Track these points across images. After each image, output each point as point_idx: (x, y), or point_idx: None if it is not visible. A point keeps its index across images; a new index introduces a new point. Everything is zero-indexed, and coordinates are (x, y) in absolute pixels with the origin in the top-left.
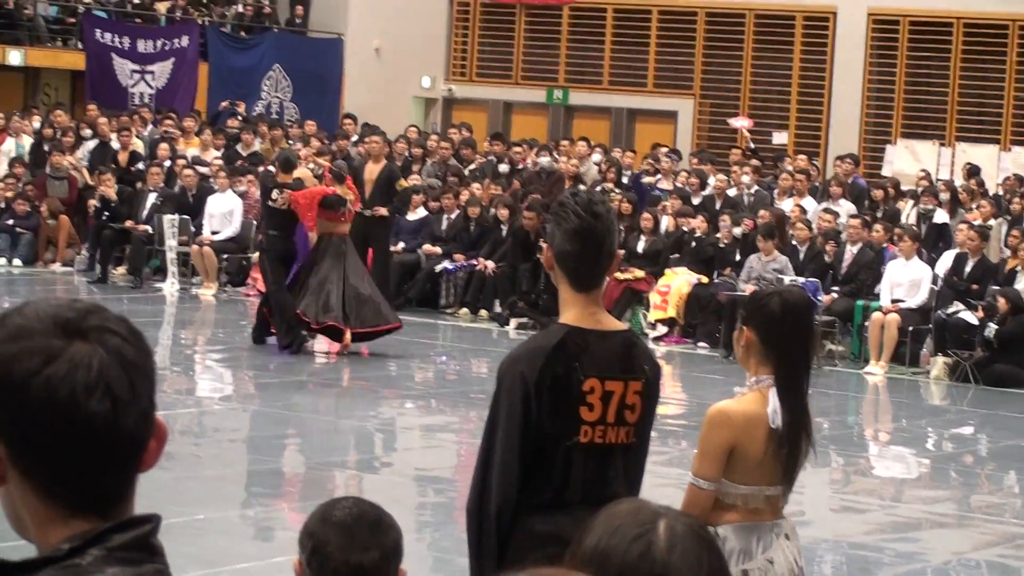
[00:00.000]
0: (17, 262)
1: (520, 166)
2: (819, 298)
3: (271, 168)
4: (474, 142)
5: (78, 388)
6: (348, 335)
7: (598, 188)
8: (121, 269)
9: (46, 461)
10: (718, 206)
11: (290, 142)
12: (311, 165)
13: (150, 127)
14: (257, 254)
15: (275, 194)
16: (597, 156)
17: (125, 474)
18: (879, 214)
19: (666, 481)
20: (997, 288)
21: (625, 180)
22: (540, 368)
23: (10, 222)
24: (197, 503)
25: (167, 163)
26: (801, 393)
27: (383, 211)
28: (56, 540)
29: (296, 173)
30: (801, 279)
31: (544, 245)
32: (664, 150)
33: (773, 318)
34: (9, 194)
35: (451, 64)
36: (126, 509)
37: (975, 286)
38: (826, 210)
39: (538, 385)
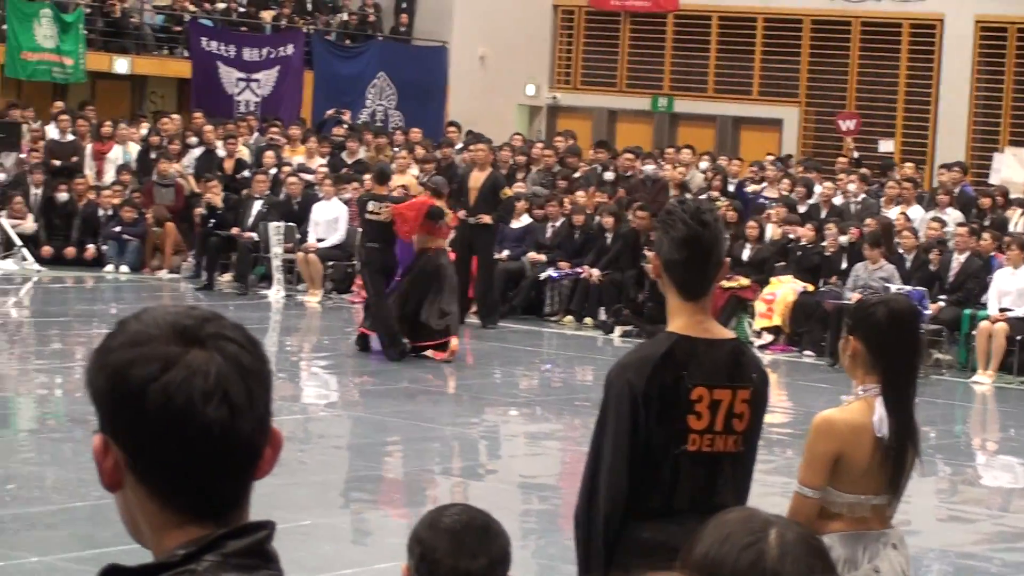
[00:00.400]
0: (124, 269)
1: (628, 173)
2: (925, 306)
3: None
4: (579, 150)
5: (195, 395)
6: (455, 341)
7: (703, 196)
8: (227, 276)
9: (163, 467)
10: (823, 214)
11: (395, 149)
12: (414, 171)
13: (256, 135)
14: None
15: (372, 205)
16: (704, 164)
17: (241, 481)
18: (986, 222)
19: (771, 490)
20: None
21: (732, 188)
22: (648, 377)
23: (117, 229)
24: (303, 509)
25: (272, 171)
26: (908, 402)
27: (487, 219)
28: (172, 546)
29: (402, 180)
30: (907, 287)
31: (651, 254)
32: (770, 158)
33: (879, 327)
34: (116, 201)
35: (555, 72)
36: (241, 515)
37: None
38: (934, 219)
39: (646, 394)
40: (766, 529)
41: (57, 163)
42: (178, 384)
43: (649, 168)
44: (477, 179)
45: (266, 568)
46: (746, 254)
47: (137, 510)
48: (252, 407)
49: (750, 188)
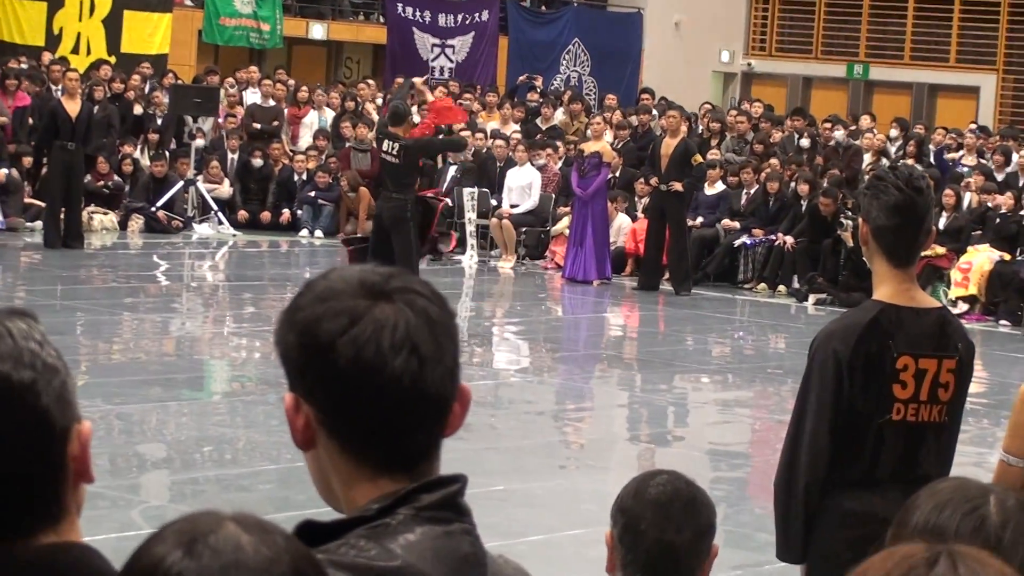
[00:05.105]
0: (319, 233)
1: (830, 142)
2: None
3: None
4: (775, 116)
5: (384, 346)
6: None
7: (899, 163)
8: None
9: (355, 421)
10: (1021, 183)
11: (594, 111)
12: (608, 137)
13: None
14: (554, 227)
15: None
16: (894, 132)
17: (431, 432)
18: None
19: (966, 459)
20: None
21: (931, 157)
22: (853, 345)
23: (312, 194)
24: (497, 474)
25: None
26: None
27: (678, 186)
28: (364, 500)
29: (596, 146)
30: None
31: (860, 220)
32: (972, 126)
33: None
34: (311, 166)
35: (751, 39)
36: (432, 469)
37: None
38: None
39: (851, 362)
40: (985, 496)
41: (258, 126)
42: (367, 336)
43: (839, 134)
44: (669, 146)
45: (459, 521)
46: (942, 222)
47: (329, 467)
48: (441, 358)
49: (947, 156)
